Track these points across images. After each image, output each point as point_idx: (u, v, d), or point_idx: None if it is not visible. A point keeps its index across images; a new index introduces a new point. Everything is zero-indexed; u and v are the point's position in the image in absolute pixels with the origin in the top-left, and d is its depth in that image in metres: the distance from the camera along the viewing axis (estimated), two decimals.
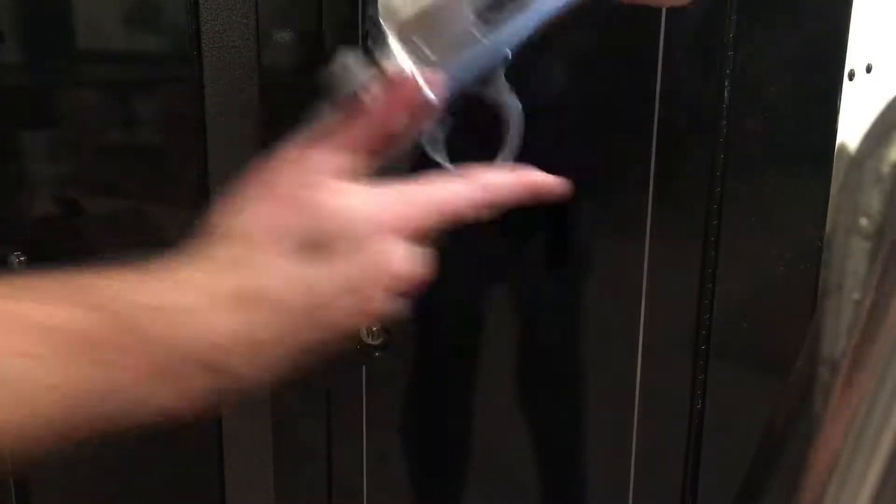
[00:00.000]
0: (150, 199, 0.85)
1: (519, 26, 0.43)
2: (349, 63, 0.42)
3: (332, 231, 0.38)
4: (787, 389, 0.54)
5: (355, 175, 0.41)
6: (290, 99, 0.66)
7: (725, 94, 0.57)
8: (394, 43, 0.43)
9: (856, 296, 0.47)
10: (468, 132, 0.42)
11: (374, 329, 0.72)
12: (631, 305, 0.62)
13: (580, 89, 0.51)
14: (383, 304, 0.40)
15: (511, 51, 0.44)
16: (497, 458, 0.71)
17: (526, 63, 0.51)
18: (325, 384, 0.76)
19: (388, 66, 0.43)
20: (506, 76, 0.45)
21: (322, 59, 0.67)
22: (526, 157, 0.53)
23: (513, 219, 0.66)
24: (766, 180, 0.58)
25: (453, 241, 0.71)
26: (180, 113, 0.81)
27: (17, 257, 0.93)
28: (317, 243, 0.38)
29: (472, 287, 0.69)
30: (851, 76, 0.55)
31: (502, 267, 0.68)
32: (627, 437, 0.64)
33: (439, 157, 0.45)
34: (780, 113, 0.56)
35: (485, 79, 0.44)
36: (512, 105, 0.45)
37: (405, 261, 0.40)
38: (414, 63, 0.43)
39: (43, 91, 0.89)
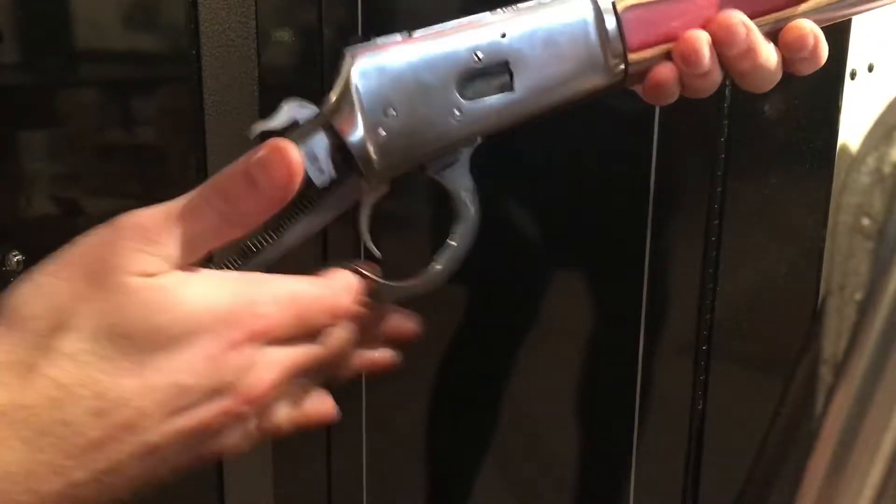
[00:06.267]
0: (150, 199, 0.85)
1: (497, 112, 0.37)
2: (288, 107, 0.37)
3: (155, 327, 0.26)
4: (789, 389, 0.54)
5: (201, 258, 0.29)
6: None
7: (725, 94, 0.57)
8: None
9: (858, 296, 0.47)
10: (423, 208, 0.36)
11: None
12: (631, 305, 0.62)
13: None
14: (234, 440, 0.28)
15: (482, 138, 0.38)
16: (497, 458, 0.71)
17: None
18: (325, 384, 0.76)
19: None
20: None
21: (322, 59, 0.67)
22: (525, 153, 0.53)
23: (511, 218, 0.66)
24: (767, 180, 0.58)
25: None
26: (179, 112, 0.80)
27: (15, 257, 0.93)
28: (131, 341, 0.26)
29: (471, 286, 0.69)
30: (853, 76, 0.55)
31: (502, 266, 0.67)
32: (627, 437, 0.64)
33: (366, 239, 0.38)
34: (781, 112, 0.56)
35: (448, 162, 0.38)
36: (467, 203, 0.39)
37: (269, 380, 0.28)
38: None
39: (42, 91, 0.89)
